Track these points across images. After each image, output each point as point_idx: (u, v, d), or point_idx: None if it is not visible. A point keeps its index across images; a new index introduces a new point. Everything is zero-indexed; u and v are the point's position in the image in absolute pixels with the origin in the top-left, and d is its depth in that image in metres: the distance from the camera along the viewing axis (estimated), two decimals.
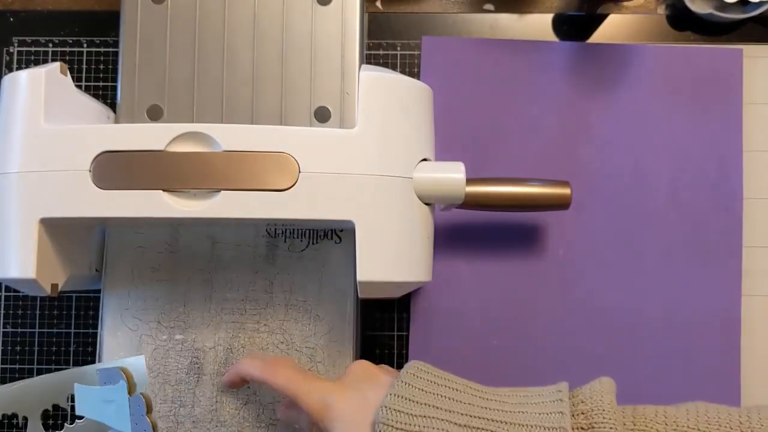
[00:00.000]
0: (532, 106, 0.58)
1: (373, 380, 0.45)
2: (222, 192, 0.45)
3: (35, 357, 0.57)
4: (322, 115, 0.52)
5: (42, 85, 0.46)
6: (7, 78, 0.47)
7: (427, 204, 0.49)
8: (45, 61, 0.58)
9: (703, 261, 0.57)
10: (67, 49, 0.59)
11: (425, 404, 0.42)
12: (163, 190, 0.45)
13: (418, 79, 0.58)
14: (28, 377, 0.56)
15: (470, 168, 0.49)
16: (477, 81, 0.58)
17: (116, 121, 0.53)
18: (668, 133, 0.58)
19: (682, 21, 0.59)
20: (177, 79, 0.52)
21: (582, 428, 0.41)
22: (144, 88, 0.52)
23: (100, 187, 0.45)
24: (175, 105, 0.52)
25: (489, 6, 0.60)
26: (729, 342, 0.56)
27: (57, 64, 0.48)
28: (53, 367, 0.57)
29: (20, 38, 0.59)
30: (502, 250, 0.57)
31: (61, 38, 0.59)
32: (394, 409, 0.41)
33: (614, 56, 0.58)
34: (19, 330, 0.57)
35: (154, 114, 0.52)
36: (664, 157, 0.58)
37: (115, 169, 0.45)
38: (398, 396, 0.42)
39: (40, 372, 0.57)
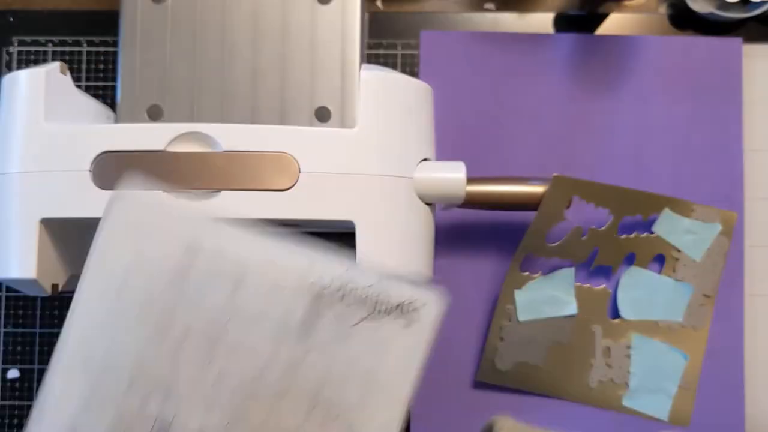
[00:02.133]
0: (532, 98, 0.58)
1: None
2: (222, 192, 0.45)
3: (36, 357, 0.57)
4: (322, 115, 0.52)
5: (42, 85, 0.46)
6: (7, 78, 0.47)
7: (427, 204, 0.49)
8: (45, 61, 0.58)
9: None
10: (67, 49, 0.59)
11: None
12: (164, 191, 0.45)
13: (418, 77, 0.58)
14: (28, 377, 0.57)
15: (471, 162, 0.49)
16: (476, 75, 0.58)
17: (116, 121, 0.52)
18: (668, 124, 0.58)
19: (684, 20, 0.59)
20: (177, 79, 0.52)
21: None
22: (144, 88, 0.52)
23: (100, 187, 0.45)
24: (175, 105, 0.52)
25: (489, 5, 0.60)
26: (732, 340, 0.56)
27: (57, 64, 0.48)
28: None
29: (20, 38, 0.59)
30: (502, 248, 0.57)
31: (61, 38, 0.59)
32: None
33: (615, 47, 0.58)
34: (20, 330, 0.57)
35: (155, 114, 0.52)
36: (665, 150, 0.57)
37: (115, 169, 0.45)
38: None
39: (41, 372, 0.57)
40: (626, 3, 0.59)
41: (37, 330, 0.57)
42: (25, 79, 0.46)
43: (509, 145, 0.58)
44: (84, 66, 0.59)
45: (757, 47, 0.59)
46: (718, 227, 0.55)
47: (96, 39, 0.59)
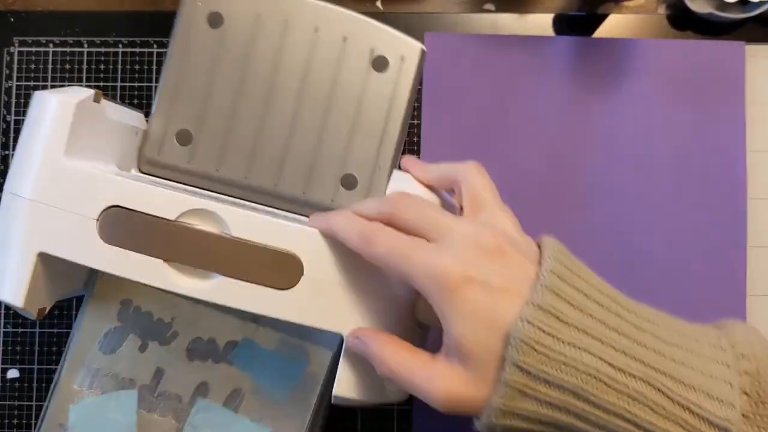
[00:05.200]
0: (533, 100, 0.58)
1: (502, 261, 0.39)
2: (221, 277, 0.44)
3: (35, 357, 0.57)
4: (348, 183, 0.51)
5: (69, 118, 0.45)
6: (38, 96, 0.46)
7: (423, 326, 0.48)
8: (45, 62, 0.58)
9: (706, 258, 0.57)
10: (68, 49, 0.58)
11: (574, 327, 0.36)
12: (164, 260, 0.44)
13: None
14: (28, 378, 0.57)
15: None
16: (478, 76, 0.58)
17: (144, 138, 0.52)
18: (670, 126, 0.58)
19: (683, 21, 0.59)
20: (214, 111, 0.51)
21: (746, 394, 0.36)
22: (180, 110, 0.51)
23: (103, 240, 0.44)
24: (205, 135, 0.51)
25: (489, 6, 0.60)
26: None
27: (91, 93, 0.47)
28: (53, 367, 0.56)
29: (21, 38, 0.58)
30: None
31: (61, 38, 0.58)
32: (539, 328, 0.36)
33: (617, 50, 0.58)
34: (20, 330, 0.57)
35: (183, 139, 0.51)
36: (667, 151, 0.58)
37: (121, 226, 0.44)
38: (542, 309, 0.36)
39: (40, 372, 0.57)
40: (625, 4, 0.60)
41: (37, 330, 0.57)
42: (53, 107, 0.45)
43: (509, 146, 0.58)
44: (84, 66, 0.58)
45: (756, 48, 0.59)
46: (305, 364, 0.49)
47: (97, 40, 0.58)
